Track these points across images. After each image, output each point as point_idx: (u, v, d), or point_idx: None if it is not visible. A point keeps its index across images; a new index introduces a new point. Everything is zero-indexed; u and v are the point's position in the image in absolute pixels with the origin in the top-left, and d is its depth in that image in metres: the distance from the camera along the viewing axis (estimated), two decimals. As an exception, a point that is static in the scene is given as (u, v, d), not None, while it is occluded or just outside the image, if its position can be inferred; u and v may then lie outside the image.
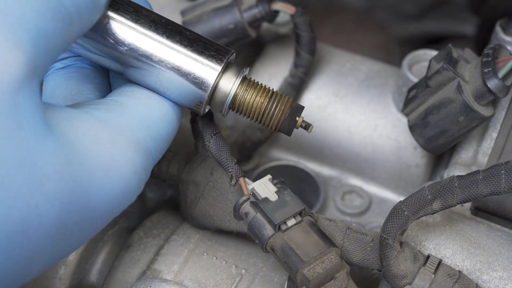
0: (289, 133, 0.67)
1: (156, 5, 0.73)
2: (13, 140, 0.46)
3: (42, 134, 0.49)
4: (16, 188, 0.46)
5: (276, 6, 0.85)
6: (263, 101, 0.66)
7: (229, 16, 0.84)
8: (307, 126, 0.67)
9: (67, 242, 0.53)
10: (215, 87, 0.64)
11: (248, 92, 0.66)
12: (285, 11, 0.85)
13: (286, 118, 0.66)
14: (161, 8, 0.98)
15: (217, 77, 0.63)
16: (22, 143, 0.47)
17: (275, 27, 0.95)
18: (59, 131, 0.52)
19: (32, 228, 0.48)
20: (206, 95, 0.63)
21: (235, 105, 0.66)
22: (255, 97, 0.66)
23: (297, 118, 0.66)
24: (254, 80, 0.67)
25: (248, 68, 0.67)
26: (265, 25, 0.94)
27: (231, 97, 0.65)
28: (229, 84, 0.64)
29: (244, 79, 0.66)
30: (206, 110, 0.66)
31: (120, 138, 0.57)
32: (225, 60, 0.63)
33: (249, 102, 0.66)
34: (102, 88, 0.68)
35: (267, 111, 0.66)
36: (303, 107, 0.67)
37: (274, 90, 0.67)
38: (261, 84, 0.67)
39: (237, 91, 0.65)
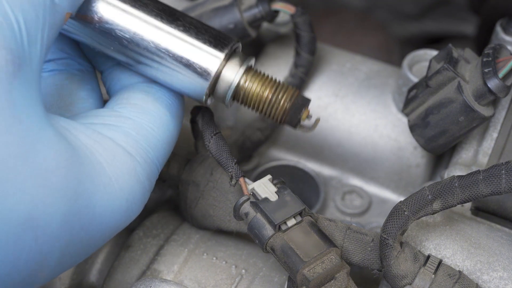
0: (294, 125, 0.65)
1: (156, 5, 0.73)
2: (15, 133, 0.47)
3: (41, 124, 0.49)
4: (21, 181, 0.47)
5: (276, 6, 0.85)
6: (268, 92, 0.64)
7: (229, 16, 0.84)
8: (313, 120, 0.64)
9: (74, 249, 0.53)
10: (218, 76, 0.62)
11: (253, 82, 0.64)
12: (285, 11, 0.85)
13: (291, 110, 0.64)
14: (161, 8, 0.98)
15: (220, 66, 0.61)
16: (23, 136, 0.47)
17: (275, 27, 0.95)
18: (56, 128, 0.52)
19: (40, 228, 0.48)
20: (208, 83, 0.61)
21: (238, 95, 0.64)
22: (260, 87, 0.64)
23: (302, 111, 0.64)
24: (260, 70, 0.65)
25: (254, 58, 0.65)
26: (265, 25, 0.94)
27: (234, 87, 0.63)
28: (233, 74, 0.62)
29: (249, 69, 0.64)
30: (209, 102, 0.64)
31: (117, 149, 0.58)
32: (228, 48, 0.61)
33: (253, 92, 0.64)
34: (94, 94, 0.67)
35: (272, 103, 0.64)
36: (309, 100, 0.65)
37: (281, 81, 0.65)
38: (267, 75, 0.65)
39: (241, 80, 0.63)
